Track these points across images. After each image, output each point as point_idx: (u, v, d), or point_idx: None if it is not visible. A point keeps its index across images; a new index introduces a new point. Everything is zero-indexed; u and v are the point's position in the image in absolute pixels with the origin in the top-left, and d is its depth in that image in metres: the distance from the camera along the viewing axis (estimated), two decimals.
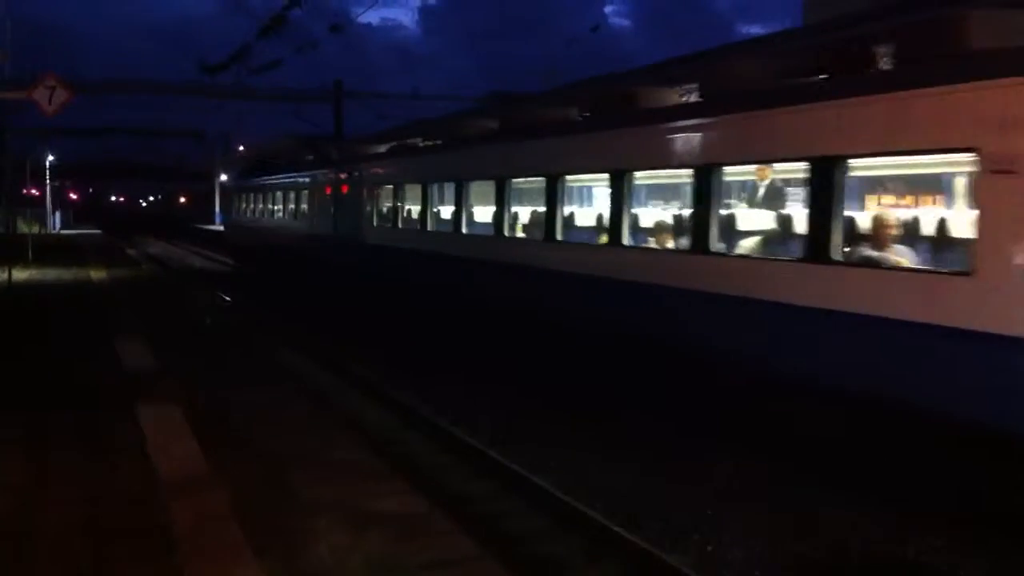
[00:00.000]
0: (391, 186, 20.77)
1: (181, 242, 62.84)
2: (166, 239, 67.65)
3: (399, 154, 21.63)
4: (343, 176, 23.61)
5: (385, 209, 21.35)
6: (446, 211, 18.24)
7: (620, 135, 12.47)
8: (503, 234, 15.40)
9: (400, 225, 20.22)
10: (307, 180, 27.48)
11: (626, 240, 12.18)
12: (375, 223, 21.54)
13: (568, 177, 14.04)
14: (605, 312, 12.24)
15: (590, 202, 16.61)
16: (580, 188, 16.49)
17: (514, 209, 15.82)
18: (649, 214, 13.72)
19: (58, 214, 79.48)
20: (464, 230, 16.89)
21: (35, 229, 51.51)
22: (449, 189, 17.75)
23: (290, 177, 29.72)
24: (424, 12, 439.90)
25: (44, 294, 22.79)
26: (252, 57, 26.92)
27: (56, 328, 16.52)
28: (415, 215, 19.55)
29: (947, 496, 7.69)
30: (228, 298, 26.79)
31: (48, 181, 75.85)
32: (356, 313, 20.93)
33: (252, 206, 35.55)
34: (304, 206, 27.62)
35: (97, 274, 28.90)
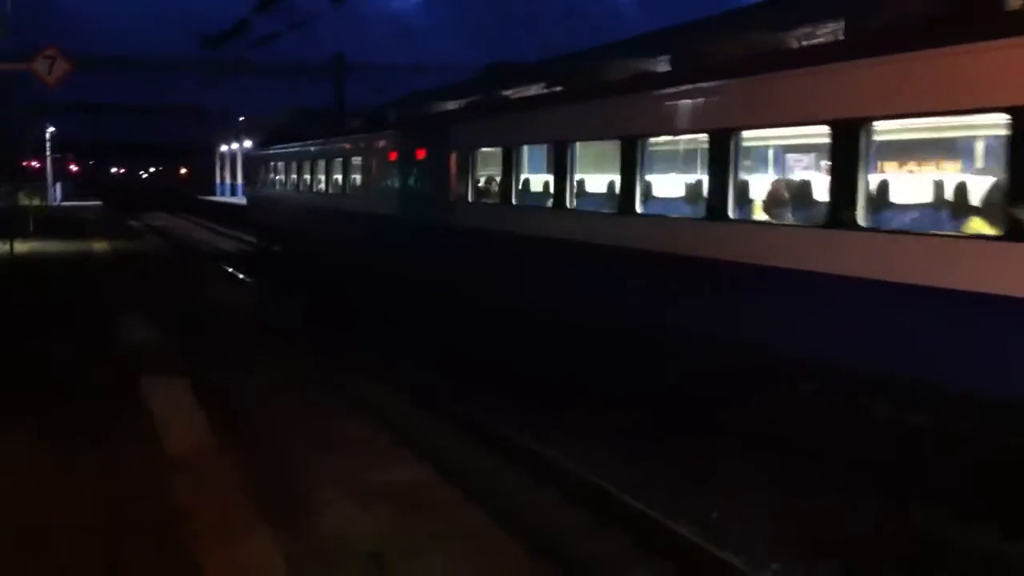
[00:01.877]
0: (501, 149, 14.98)
1: (183, 214, 62.86)
2: (168, 211, 67.65)
3: (518, 108, 15.75)
4: (415, 139, 18.41)
5: (488, 181, 16.16)
6: (600, 182, 13.24)
7: None
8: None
9: (517, 201, 14.61)
10: (359, 145, 22.18)
11: None
12: (470, 198, 16.00)
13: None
14: None
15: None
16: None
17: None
18: None
19: (59, 186, 79.35)
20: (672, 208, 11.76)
21: (36, 201, 51.48)
22: (618, 149, 11.89)
23: (333, 142, 24.22)
24: None
25: (46, 267, 22.90)
26: (251, 31, 26.87)
27: (59, 303, 16.61)
28: (546, 187, 14.06)
29: None
30: (245, 278, 24.31)
31: (49, 153, 75.81)
32: (440, 323, 15.94)
33: (283, 177, 29.47)
34: (355, 177, 22.50)
35: (100, 246, 29.01)
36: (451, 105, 18.88)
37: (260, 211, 33.32)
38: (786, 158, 12.52)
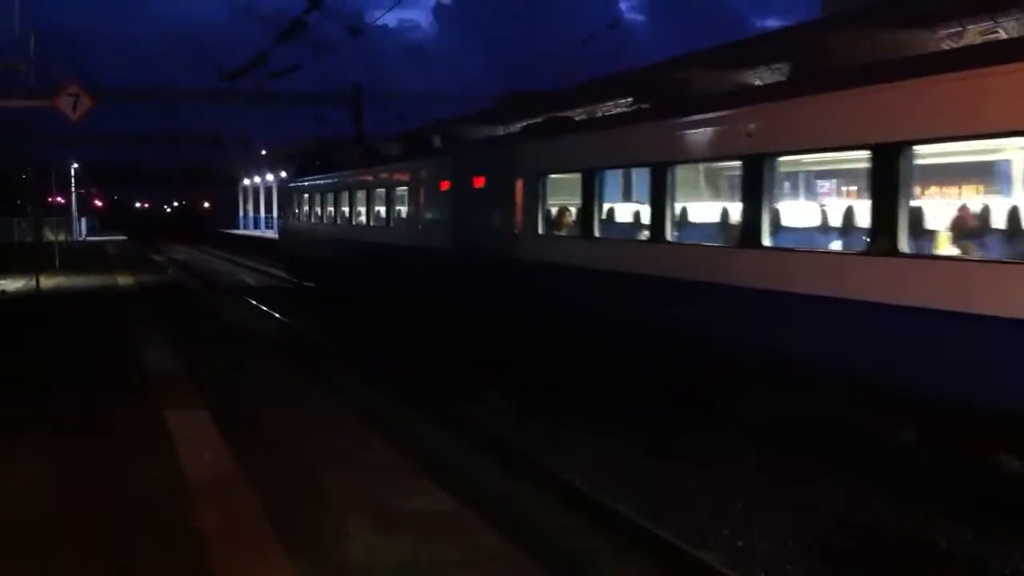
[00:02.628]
0: (580, 175, 13.20)
1: (206, 248, 63.21)
2: (190, 244, 68.07)
3: (597, 127, 14.16)
4: (472, 164, 16.83)
5: (563, 211, 14.45)
6: (726, 209, 11.24)
7: None
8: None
9: (601, 233, 12.94)
10: (404, 175, 20.54)
11: None
12: (541, 230, 14.35)
13: None
14: None
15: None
16: None
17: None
18: None
19: (83, 221, 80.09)
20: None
21: (61, 236, 51.95)
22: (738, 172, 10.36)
23: (374, 171, 22.72)
24: (438, 12, 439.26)
25: (72, 302, 22.99)
26: (271, 62, 27.01)
27: (83, 338, 16.63)
28: (638, 217, 12.66)
29: None
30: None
31: (73, 188, 76.56)
32: (521, 372, 14.38)
33: (319, 209, 27.80)
34: (400, 209, 20.94)
35: (124, 280, 29.15)
36: (505, 128, 17.02)
37: (293, 245, 31.68)
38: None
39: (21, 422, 9.64)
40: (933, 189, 10.64)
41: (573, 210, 14.04)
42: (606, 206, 13.33)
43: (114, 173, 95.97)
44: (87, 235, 77.90)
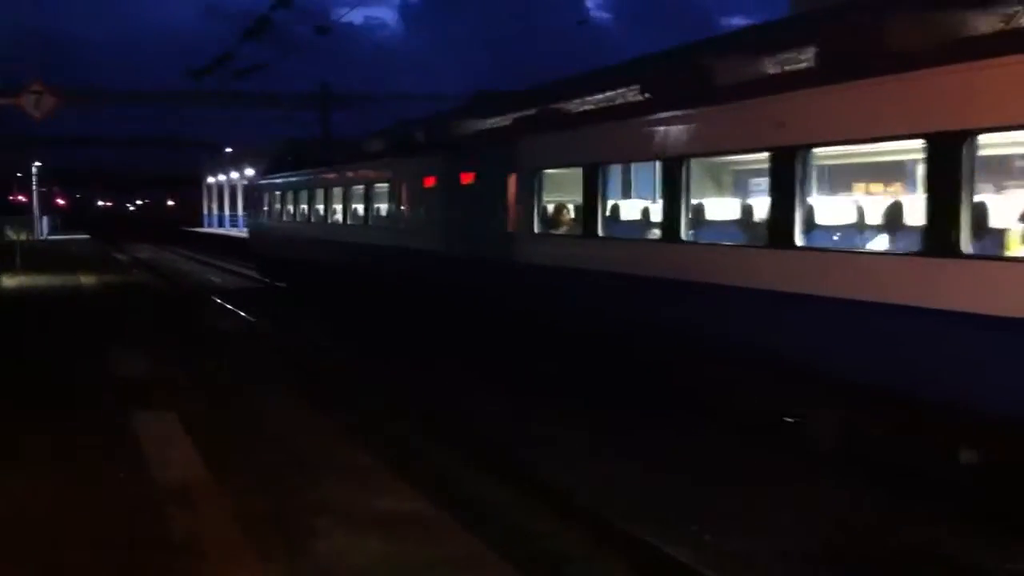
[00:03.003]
0: (581, 170, 12.48)
1: (170, 246, 62.62)
2: (154, 243, 67.42)
3: (614, 116, 12.39)
4: (465, 161, 15.93)
5: (565, 208, 13.62)
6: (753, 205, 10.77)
7: None
8: None
9: (605, 231, 12.30)
10: (389, 172, 19.74)
11: None
12: (536, 228, 13.62)
13: None
14: None
15: None
16: None
17: None
18: None
19: (45, 220, 79.09)
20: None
21: (23, 236, 51.23)
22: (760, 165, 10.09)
23: (357, 167, 22.01)
24: (404, 10, 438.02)
25: (34, 301, 22.76)
26: (237, 61, 26.84)
27: (47, 336, 16.48)
28: (660, 215, 11.32)
29: None
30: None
31: (35, 187, 75.64)
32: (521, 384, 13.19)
33: (292, 207, 27.12)
34: (384, 207, 20.21)
35: (87, 280, 28.85)
36: (497, 121, 15.78)
37: (263, 244, 31.17)
38: None
39: None
40: None
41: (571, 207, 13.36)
42: (610, 203, 12.71)
43: (77, 172, 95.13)
44: (49, 234, 76.94)
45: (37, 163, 74.30)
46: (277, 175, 29.89)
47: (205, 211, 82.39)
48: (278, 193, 29.01)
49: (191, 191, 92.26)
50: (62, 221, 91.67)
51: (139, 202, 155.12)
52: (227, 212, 73.48)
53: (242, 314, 22.18)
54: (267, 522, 6.77)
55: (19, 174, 66.60)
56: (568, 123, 13.52)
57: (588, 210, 12.44)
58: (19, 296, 23.83)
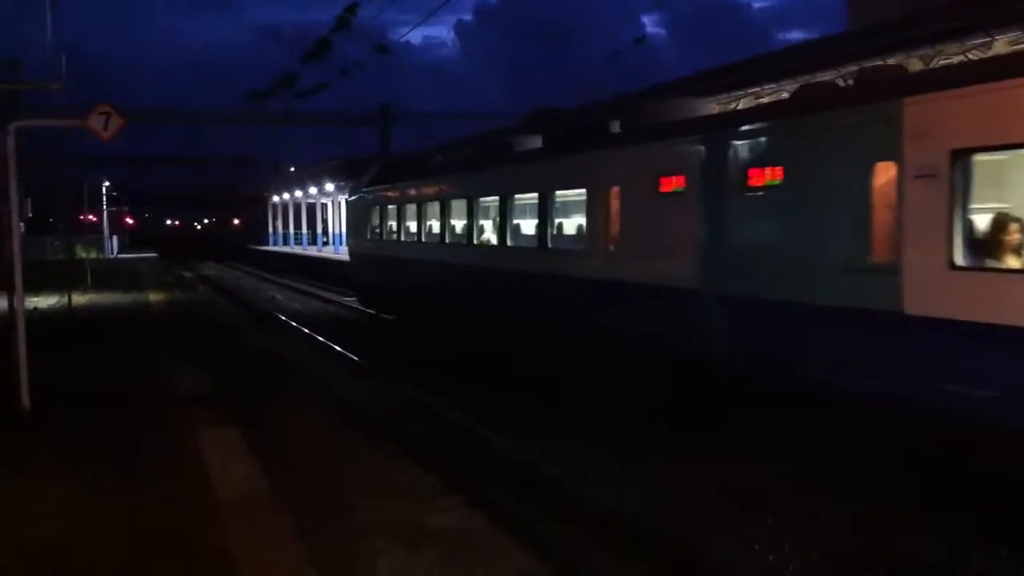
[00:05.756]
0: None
1: (237, 264, 63.55)
2: (220, 261, 68.49)
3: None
4: (758, 149, 10.15)
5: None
6: None
7: None
8: None
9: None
10: (586, 173, 13.85)
11: None
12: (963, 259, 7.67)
13: None
14: None
15: None
16: None
17: None
18: None
19: (115, 239, 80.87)
20: None
21: (93, 254, 52.45)
22: None
23: (518, 167, 16.60)
24: (459, 30, 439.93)
25: (103, 319, 23.16)
26: (298, 83, 27.08)
27: (115, 353, 16.72)
28: None
29: None
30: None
31: (105, 207, 77.41)
32: None
33: (414, 224, 21.19)
34: (569, 222, 15.07)
35: (155, 297, 29.36)
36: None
37: (370, 269, 24.54)
38: None
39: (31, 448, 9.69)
40: None
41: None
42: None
43: (145, 192, 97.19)
44: (118, 252, 78.63)
45: (107, 183, 76.02)
46: (388, 185, 23.37)
47: (271, 229, 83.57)
48: (390, 207, 22.95)
49: (256, 210, 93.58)
50: (131, 240, 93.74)
51: (206, 220, 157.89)
52: (291, 230, 74.49)
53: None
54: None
55: (85, 193, 67.95)
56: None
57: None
58: (89, 313, 24.27)
